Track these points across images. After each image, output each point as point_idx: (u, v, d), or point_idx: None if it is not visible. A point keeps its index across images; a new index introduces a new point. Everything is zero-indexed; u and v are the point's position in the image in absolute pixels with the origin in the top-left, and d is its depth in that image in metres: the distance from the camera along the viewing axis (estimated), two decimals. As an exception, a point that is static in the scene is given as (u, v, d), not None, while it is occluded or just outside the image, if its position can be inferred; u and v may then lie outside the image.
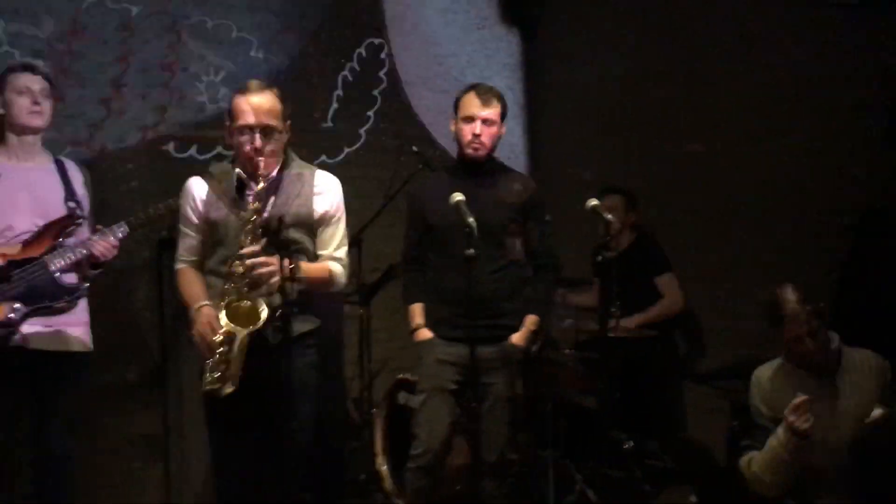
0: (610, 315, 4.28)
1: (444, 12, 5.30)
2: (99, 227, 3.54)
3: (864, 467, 3.13)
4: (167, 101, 4.40)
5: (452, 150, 3.86)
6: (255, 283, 3.01)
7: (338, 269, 3.25)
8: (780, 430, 3.14)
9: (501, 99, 3.62)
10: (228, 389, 3.02)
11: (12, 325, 3.35)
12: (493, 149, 3.63)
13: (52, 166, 3.58)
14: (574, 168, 5.28)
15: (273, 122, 3.12)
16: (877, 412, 3.16)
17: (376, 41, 5.03)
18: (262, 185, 3.06)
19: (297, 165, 3.26)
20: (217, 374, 3.02)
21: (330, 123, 4.86)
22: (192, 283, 3.21)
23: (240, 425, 3.13)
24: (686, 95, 4.92)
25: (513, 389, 3.56)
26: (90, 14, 4.19)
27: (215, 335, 3.02)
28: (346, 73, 4.92)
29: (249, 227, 3.03)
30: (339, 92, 4.88)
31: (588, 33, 5.26)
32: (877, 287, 4.30)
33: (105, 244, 3.47)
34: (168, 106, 4.40)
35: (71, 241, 3.47)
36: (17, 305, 3.36)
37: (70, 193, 3.54)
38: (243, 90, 3.15)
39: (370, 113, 4.99)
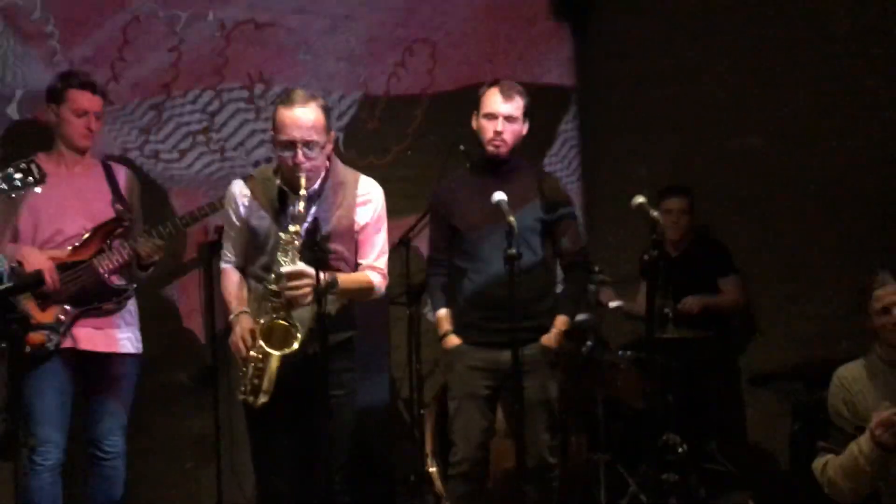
0: (662, 317, 4.20)
1: (494, 9, 5.24)
2: (146, 227, 3.59)
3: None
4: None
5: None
6: (291, 302, 3.00)
7: (377, 278, 3.22)
8: (862, 440, 2.95)
9: (524, 95, 3.53)
10: (262, 400, 3.04)
11: (62, 327, 3.41)
12: (514, 146, 3.54)
13: (100, 170, 3.62)
14: (629, 164, 5.18)
15: (315, 137, 3.04)
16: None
17: (424, 39, 5.00)
18: (302, 205, 3.01)
19: (341, 173, 3.20)
20: (250, 387, 3.05)
21: (377, 124, 4.84)
22: (233, 286, 3.22)
23: (278, 430, 3.14)
24: (741, 89, 4.79)
25: (546, 392, 3.50)
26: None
27: (250, 350, 3.04)
28: (393, 72, 4.90)
29: (288, 247, 3.00)
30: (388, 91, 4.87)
31: (640, 27, 5.16)
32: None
33: (151, 245, 3.51)
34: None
35: (118, 242, 3.52)
36: (66, 307, 3.42)
37: (117, 196, 3.57)
38: (286, 102, 3.08)
39: (417, 112, 4.96)
